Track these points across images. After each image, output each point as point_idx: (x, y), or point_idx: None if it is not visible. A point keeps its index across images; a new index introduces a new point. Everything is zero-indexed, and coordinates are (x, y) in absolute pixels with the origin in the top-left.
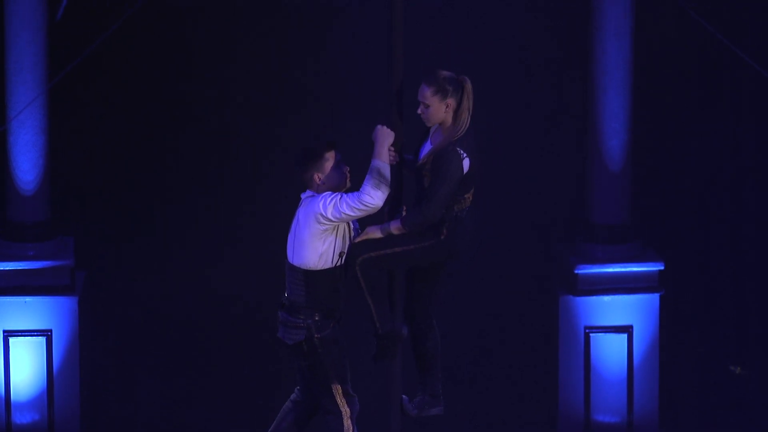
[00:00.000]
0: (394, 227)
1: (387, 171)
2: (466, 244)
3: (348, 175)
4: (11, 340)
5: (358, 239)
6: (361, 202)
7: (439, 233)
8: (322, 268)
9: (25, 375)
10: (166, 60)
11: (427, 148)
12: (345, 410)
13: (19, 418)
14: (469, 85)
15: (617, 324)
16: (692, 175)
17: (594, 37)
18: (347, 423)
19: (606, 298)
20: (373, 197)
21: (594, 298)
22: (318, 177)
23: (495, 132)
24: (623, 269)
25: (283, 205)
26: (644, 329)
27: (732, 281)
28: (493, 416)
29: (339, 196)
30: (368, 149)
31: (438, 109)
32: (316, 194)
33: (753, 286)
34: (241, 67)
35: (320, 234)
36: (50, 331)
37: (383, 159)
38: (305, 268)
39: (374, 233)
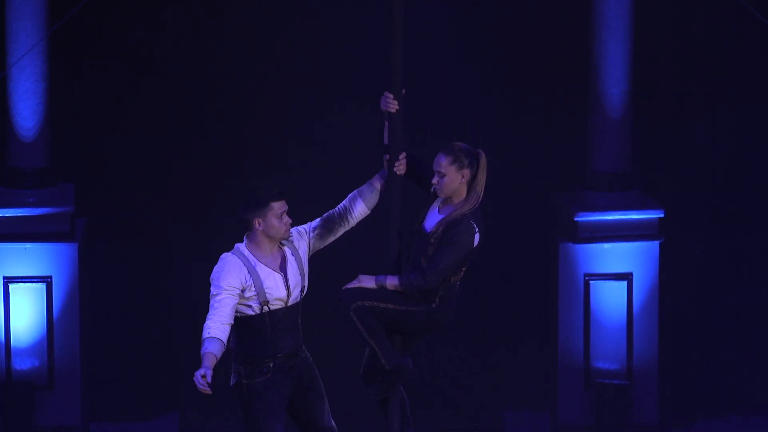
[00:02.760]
0: (390, 283)
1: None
2: (449, 317)
3: (288, 226)
4: (11, 286)
5: (350, 286)
6: (209, 310)
7: (431, 301)
8: (248, 315)
9: (25, 321)
10: (168, 6)
11: (435, 217)
12: None
13: (19, 364)
14: (484, 159)
15: (617, 271)
16: (693, 122)
17: None
18: None
19: (606, 246)
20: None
21: (594, 245)
22: (258, 222)
23: (497, 81)
24: (623, 217)
25: (284, 162)
26: (644, 276)
27: (733, 229)
28: (493, 363)
29: (217, 276)
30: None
31: (453, 180)
32: (245, 245)
33: (754, 233)
34: (242, 22)
35: None
36: (50, 277)
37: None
38: None
39: (368, 283)
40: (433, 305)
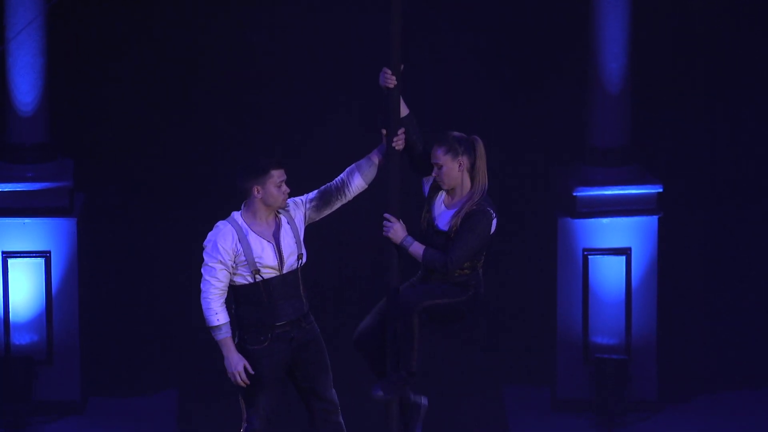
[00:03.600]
0: (413, 250)
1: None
2: (478, 308)
3: (286, 195)
4: (10, 261)
5: (386, 233)
6: (203, 281)
7: (467, 292)
8: (243, 284)
9: (23, 296)
10: None
11: (446, 214)
12: (244, 418)
13: (18, 339)
14: (481, 146)
15: (615, 246)
16: (693, 97)
17: None
18: (243, 426)
19: (604, 221)
20: (202, 289)
21: (592, 220)
22: (257, 190)
23: (495, 56)
24: (622, 191)
25: (288, 121)
26: (642, 251)
27: (732, 203)
28: (491, 338)
29: (210, 244)
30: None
31: (452, 169)
32: (240, 213)
33: (753, 208)
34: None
35: None
36: (49, 252)
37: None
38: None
39: (396, 235)
40: (471, 293)
